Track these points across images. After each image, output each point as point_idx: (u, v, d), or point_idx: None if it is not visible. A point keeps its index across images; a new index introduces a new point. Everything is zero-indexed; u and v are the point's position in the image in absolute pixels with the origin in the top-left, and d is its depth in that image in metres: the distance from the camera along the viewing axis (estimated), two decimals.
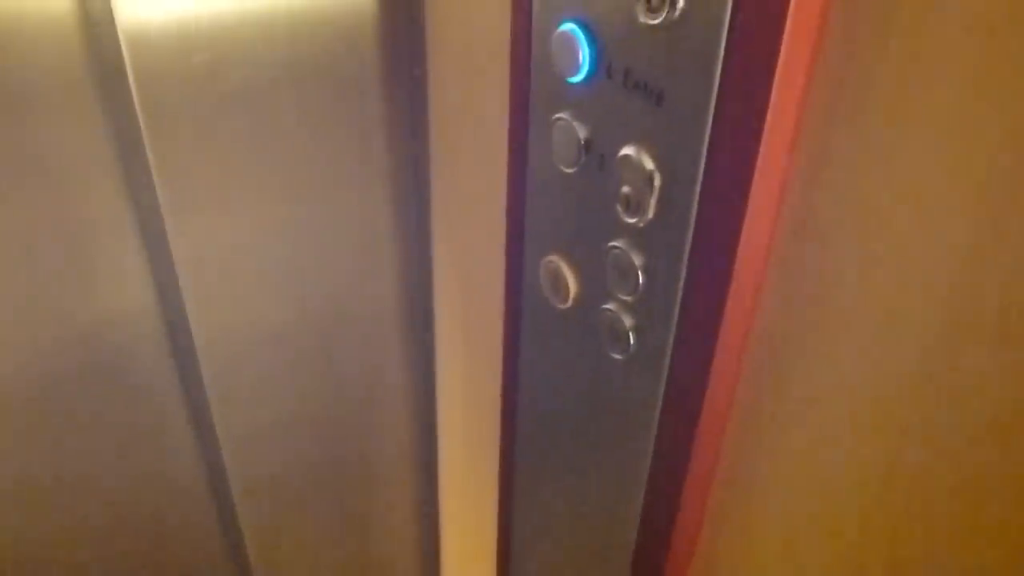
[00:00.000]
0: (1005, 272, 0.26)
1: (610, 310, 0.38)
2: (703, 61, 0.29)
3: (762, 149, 0.29)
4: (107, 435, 0.62)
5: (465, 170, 0.54)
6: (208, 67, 0.49)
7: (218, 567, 0.74)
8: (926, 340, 0.29)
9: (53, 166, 0.51)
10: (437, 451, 0.74)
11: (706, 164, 0.31)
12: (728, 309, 0.33)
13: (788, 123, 0.29)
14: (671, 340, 0.36)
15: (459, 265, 0.59)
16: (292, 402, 0.66)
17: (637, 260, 0.36)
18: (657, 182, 0.33)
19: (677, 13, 0.30)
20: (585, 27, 0.34)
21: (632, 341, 0.38)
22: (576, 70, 0.35)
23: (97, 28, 0.47)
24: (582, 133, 0.36)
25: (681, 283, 0.34)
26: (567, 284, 0.40)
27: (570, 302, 0.41)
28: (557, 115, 0.37)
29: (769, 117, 0.28)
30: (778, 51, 0.27)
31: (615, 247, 0.36)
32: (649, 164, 0.33)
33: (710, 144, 0.31)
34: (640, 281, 0.36)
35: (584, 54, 0.34)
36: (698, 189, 0.32)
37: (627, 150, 0.34)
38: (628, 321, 0.37)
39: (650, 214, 0.34)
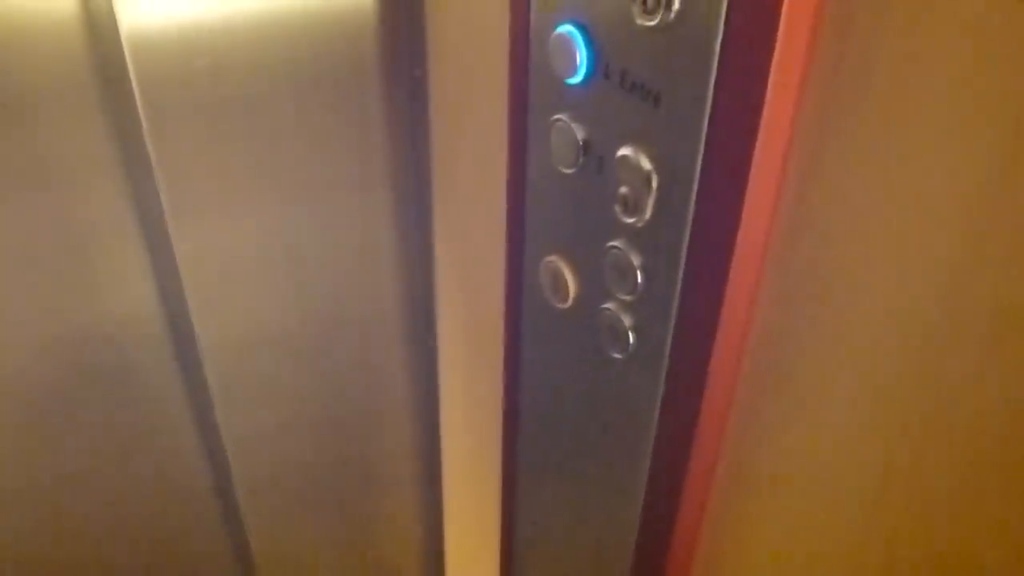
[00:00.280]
0: (1002, 270, 0.26)
1: (609, 310, 0.38)
2: (699, 62, 0.30)
3: (758, 148, 0.29)
4: (111, 436, 0.62)
5: (465, 171, 0.54)
6: (209, 70, 0.49)
7: (223, 568, 0.74)
8: (924, 338, 0.29)
9: (56, 169, 0.51)
10: (440, 451, 0.74)
11: (703, 164, 0.31)
12: (726, 308, 0.33)
13: (784, 123, 0.29)
14: (670, 339, 0.36)
15: (460, 266, 0.59)
16: (296, 403, 0.66)
17: (636, 260, 0.36)
18: (655, 182, 0.33)
19: (673, 15, 0.30)
20: (582, 29, 0.34)
21: (632, 340, 0.38)
22: (574, 71, 0.35)
23: (100, 31, 0.48)
24: (580, 134, 0.36)
25: (679, 282, 0.34)
26: (567, 284, 0.41)
27: (570, 302, 0.41)
28: (556, 116, 0.37)
29: (765, 117, 0.29)
30: (773, 51, 0.27)
31: (614, 247, 0.37)
32: (647, 164, 0.33)
33: (707, 144, 0.31)
34: (639, 281, 0.36)
35: (582, 56, 0.34)
36: (695, 189, 0.32)
37: (625, 151, 0.34)
38: (627, 320, 0.38)
39: (648, 214, 0.34)
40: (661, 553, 0.42)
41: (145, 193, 0.53)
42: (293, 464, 0.69)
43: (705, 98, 0.30)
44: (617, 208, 0.35)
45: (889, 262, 0.30)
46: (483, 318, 0.57)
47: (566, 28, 0.35)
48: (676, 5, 0.30)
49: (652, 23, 0.30)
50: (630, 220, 0.35)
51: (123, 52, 0.47)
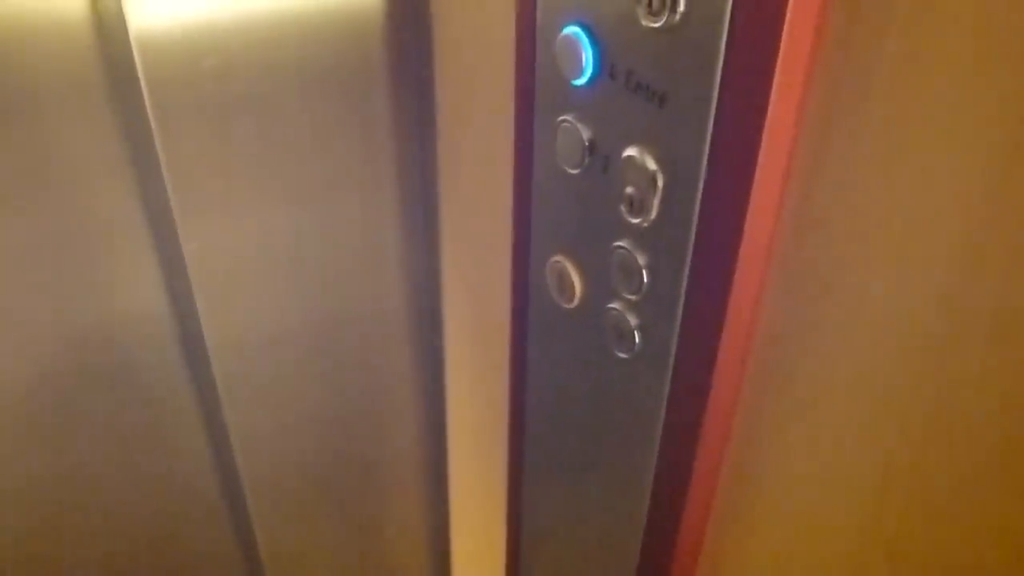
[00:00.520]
0: (1005, 271, 0.26)
1: (615, 309, 0.39)
2: (704, 63, 0.30)
3: (763, 148, 0.29)
4: (119, 436, 0.63)
5: (471, 172, 0.55)
6: (217, 70, 0.50)
7: (229, 567, 0.75)
8: (928, 338, 0.29)
9: (65, 168, 0.51)
10: (446, 451, 0.74)
11: (708, 164, 0.31)
12: (731, 307, 0.33)
13: (788, 123, 0.29)
14: (675, 338, 0.36)
15: (466, 266, 0.60)
16: (302, 403, 0.66)
17: (641, 260, 0.36)
18: (660, 182, 0.33)
19: (678, 16, 0.30)
20: (588, 30, 0.34)
21: (637, 340, 0.38)
22: (580, 73, 0.35)
23: (109, 32, 0.48)
24: (586, 135, 0.37)
25: (684, 282, 0.34)
26: (573, 284, 0.41)
27: (576, 302, 0.41)
28: (561, 117, 0.37)
29: (769, 117, 0.29)
30: (777, 52, 0.28)
31: (620, 247, 0.37)
32: (652, 165, 0.33)
33: (712, 144, 0.31)
34: (644, 280, 0.36)
35: (587, 57, 0.34)
36: (700, 189, 0.32)
37: (630, 151, 0.34)
38: (633, 320, 0.38)
39: (653, 214, 0.34)
40: (667, 552, 0.42)
41: (153, 192, 0.53)
42: (300, 464, 0.70)
43: (710, 98, 0.30)
44: (623, 208, 0.36)
45: (892, 262, 0.30)
46: (489, 318, 0.57)
47: (572, 29, 0.35)
48: (681, 6, 0.30)
49: (657, 24, 0.31)
50: (636, 220, 0.35)
51: (132, 52, 0.47)
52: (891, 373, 0.31)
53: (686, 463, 0.39)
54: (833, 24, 0.28)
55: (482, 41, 0.48)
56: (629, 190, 0.35)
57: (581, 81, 0.35)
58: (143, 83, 0.48)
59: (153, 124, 0.49)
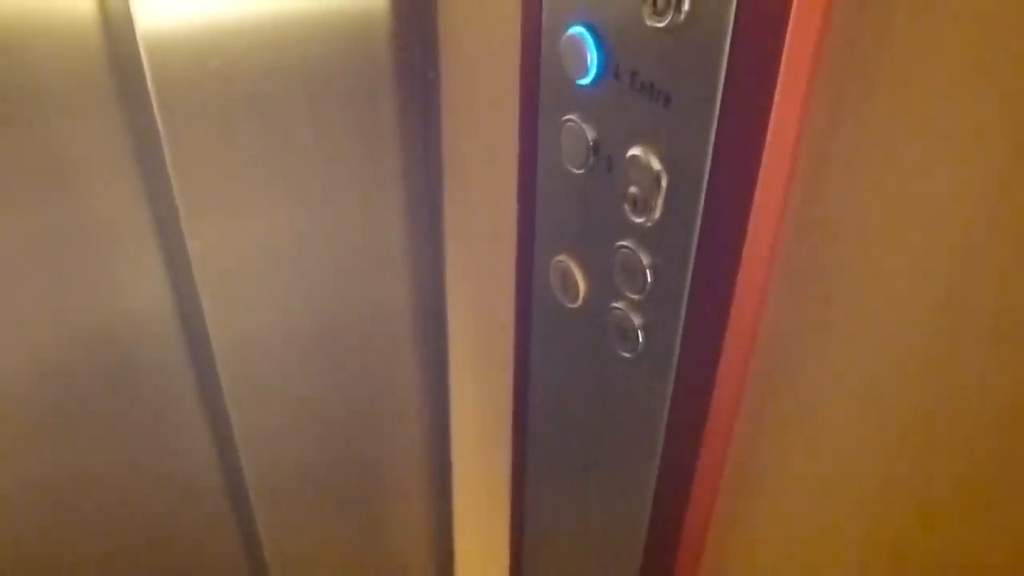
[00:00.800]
0: (1009, 272, 0.27)
1: (619, 309, 0.39)
2: (708, 62, 0.30)
3: (767, 148, 0.29)
4: (123, 435, 0.63)
5: (476, 172, 0.55)
6: (224, 71, 0.50)
7: (234, 567, 0.75)
8: (933, 339, 0.29)
9: (71, 168, 0.51)
10: (450, 451, 0.74)
11: (712, 164, 0.31)
12: (735, 307, 0.33)
13: (792, 123, 0.29)
14: (679, 338, 0.36)
15: (470, 266, 0.60)
16: (306, 403, 0.66)
17: (645, 259, 0.36)
18: (664, 182, 0.34)
19: (682, 16, 0.30)
20: (593, 30, 0.34)
21: (641, 339, 0.38)
22: (584, 72, 0.35)
23: (116, 32, 0.48)
24: (591, 134, 0.37)
25: (688, 281, 0.34)
26: (576, 283, 0.41)
27: (580, 301, 0.41)
28: (566, 117, 0.38)
29: (773, 117, 0.29)
30: (781, 52, 0.28)
31: (623, 246, 0.37)
32: (656, 164, 0.34)
33: (716, 144, 0.31)
34: (648, 280, 0.36)
35: (592, 57, 0.35)
36: (704, 189, 0.32)
37: (635, 151, 0.34)
38: (637, 320, 0.38)
39: (657, 214, 0.34)
40: (670, 552, 0.42)
41: (159, 192, 0.53)
42: (304, 463, 0.70)
43: (714, 98, 0.30)
44: (627, 208, 0.36)
45: (895, 263, 0.30)
46: (493, 318, 0.57)
47: (577, 29, 0.35)
48: (686, 6, 0.30)
49: (662, 24, 0.31)
50: (639, 220, 0.35)
51: (139, 53, 0.47)
52: (894, 374, 0.31)
53: (689, 463, 0.39)
54: (837, 24, 0.28)
55: (487, 42, 0.48)
56: (633, 190, 0.35)
57: (586, 81, 0.35)
58: (150, 83, 0.48)
59: (160, 124, 0.50)
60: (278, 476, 0.68)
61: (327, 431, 0.69)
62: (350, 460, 0.72)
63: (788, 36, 0.27)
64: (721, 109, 0.30)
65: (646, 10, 0.31)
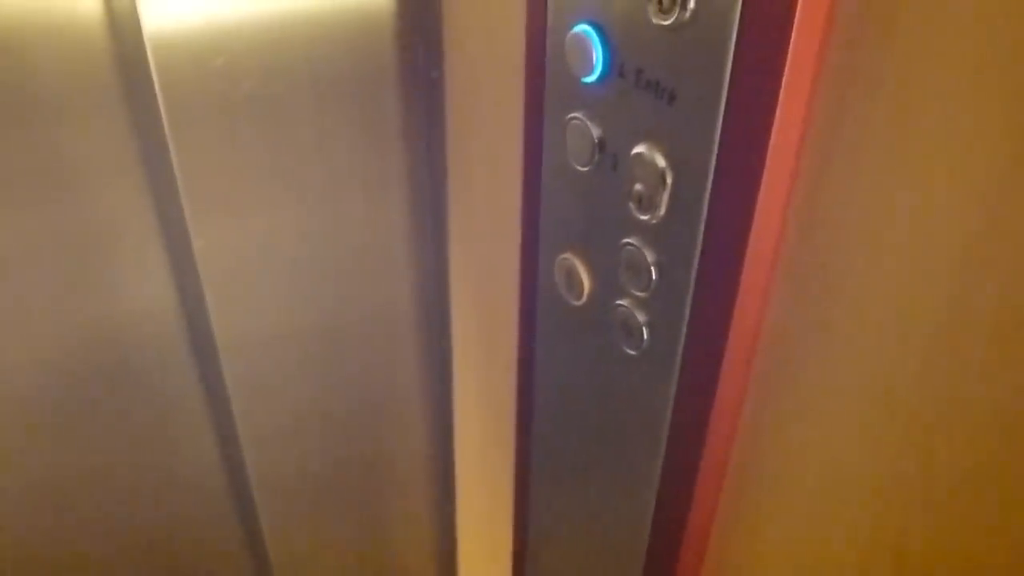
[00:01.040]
0: (1012, 271, 0.27)
1: (623, 306, 0.39)
2: (713, 60, 0.30)
3: (772, 146, 0.30)
4: (127, 434, 0.63)
5: (480, 171, 0.55)
6: (229, 70, 0.50)
7: (237, 565, 0.75)
8: (936, 338, 0.30)
9: (77, 167, 0.51)
10: (453, 451, 0.74)
11: (717, 161, 0.32)
12: (739, 304, 0.33)
13: (796, 121, 0.30)
14: (683, 335, 0.36)
15: (475, 265, 0.60)
16: (310, 402, 0.67)
17: (650, 256, 0.36)
18: (669, 179, 0.34)
19: (688, 14, 0.30)
20: (598, 28, 0.34)
21: (645, 336, 0.38)
22: (590, 70, 0.35)
23: (122, 31, 0.48)
24: (596, 132, 0.37)
25: (693, 279, 0.35)
26: (581, 281, 0.41)
27: (584, 299, 0.42)
28: (571, 115, 0.38)
29: (778, 114, 0.29)
30: (787, 50, 0.28)
31: (628, 244, 0.37)
32: (661, 162, 0.34)
33: (721, 142, 0.31)
34: (653, 277, 0.36)
35: (597, 55, 0.35)
36: (709, 186, 0.32)
37: (640, 148, 0.34)
38: (641, 317, 0.38)
39: (662, 211, 0.35)
40: (674, 551, 0.43)
41: (165, 191, 0.54)
42: (307, 463, 0.70)
43: (719, 96, 0.30)
44: (631, 205, 0.36)
45: (899, 262, 0.30)
46: (496, 317, 0.57)
47: (582, 28, 0.35)
48: (691, 4, 0.30)
49: (667, 22, 0.31)
50: (644, 217, 0.35)
51: (145, 52, 0.47)
52: (897, 373, 0.31)
53: (692, 461, 0.39)
54: (841, 23, 0.28)
55: (491, 42, 0.48)
56: (638, 187, 0.35)
57: (591, 79, 0.36)
58: (156, 82, 0.48)
59: (165, 123, 0.50)
60: (282, 475, 0.69)
61: (330, 430, 0.69)
62: (353, 460, 0.72)
63: (793, 34, 0.28)
64: (726, 107, 0.30)
65: (652, 8, 0.31)
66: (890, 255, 0.30)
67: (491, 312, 0.58)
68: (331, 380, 0.66)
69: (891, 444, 0.32)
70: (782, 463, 0.38)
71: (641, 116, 0.34)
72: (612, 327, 0.40)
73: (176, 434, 0.65)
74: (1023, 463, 0.28)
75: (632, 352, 0.39)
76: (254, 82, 0.51)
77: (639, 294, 0.38)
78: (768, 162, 0.30)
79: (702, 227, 0.33)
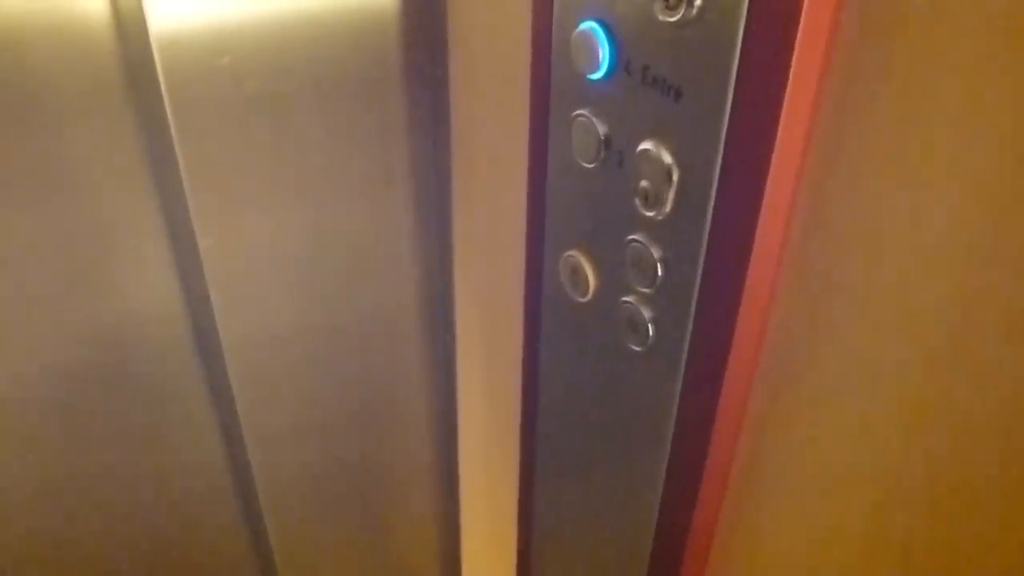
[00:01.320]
0: (1018, 270, 0.27)
1: (629, 303, 0.39)
2: (720, 57, 0.30)
3: (778, 143, 0.30)
4: (133, 433, 0.63)
5: (485, 169, 0.55)
6: (235, 69, 0.50)
7: (242, 565, 0.75)
8: (941, 336, 0.30)
9: (84, 167, 0.52)
10: (457, 450, 0.74)
11: (723, 158, 0.32)
12: (744, 300, 0.33)
13: (803, 118, 0.30)
14: (689, 331, 0.36)
15: (479, 263, 0.60)
16: (314, 401, 0.67)
17: (656, 253, 0.36)
18: (675, 176, 0.34)
19: (694, 10, 0.30)
20: (604, 25, 0.35)
21: (651, 333, 0.38)
22: (596, 67, 0.35)
23: (129, 31, 0.48)
24: (602, 129, 0.37)
25: (699, 275, 0.35)
26: (587, 278, 0.41)
27: (589, 296, 0.42)
28: (577, 112, 0.38)
29: (784, 111, 0.29)
30: (793, 47, 0.28)
31: (634, 240, 0.37)
32: (667, 158, 0.34)
33: (727, 138, 0.31)
34: (659, 274, 0.36)
35: (604, 52, 0.35)
36: (715, 183, 0.32)
37: (646, 145, 0.35)
38: (647, 313, 0.38)
39: (668, 207, 0.35)
40: (678, 549, 0.43)
41: (171, 191, 0.54)
42: (313, 463, 0.70)
43: (726, 93, 0.30)
44: (637, 202, 0.36)
45: (904, 260, 0.30)
46: (501, 315, 0.57)
47: (588, 25, 0.35)
48: (698, 1, 0.30)
49: (674, 19, 0.31)
50: (650, 213, 0.36)
51: (152, 52, 0.47)
52: (903, 371, 0.31)
53: (697, 458, 0.39)
54: (848, 20, 0.28)
55: (496, 40, 0.48)
56: (644, 184, 0.35)
57: (597, 75, 0.36)
58: (162, 81, 0.48)
59: (172, 122, 0.50)
60: (286, 475, 0.69)
61: (335, 430, 0.69)
62: (358, 459, 0.72)
63: (800, 31, 0.28)
64: (732, 103, 0.31)
65: (658, 5, 0.31)
66: (895, 254, 0.30)
67: (495, 310, 0.58)
68: (336, 379, 0.66)
69: (895, 443, 0.33)
70: (786, 461, 0.38)
71: (647, 113, 0.34)
72: (617, 324, 0.40)
73: (180, 434, 0.65)
74: None
75: (637, 349, 0.39)
76: (259, 81, 0.51)
77: (645, 291, 0.38)
78: (774, 159, 0.30)
79: (708, 223, 0.33)
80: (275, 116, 0.53)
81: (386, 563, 0.80)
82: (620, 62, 0.35)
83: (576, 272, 0.42)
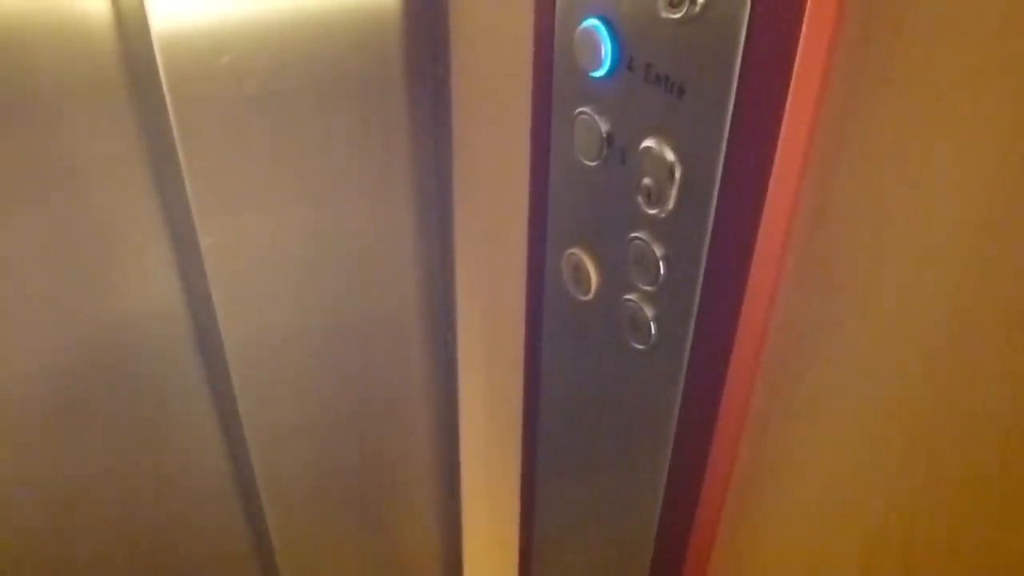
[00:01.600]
0: (1020, 268, 0.27)
1: (631, 300, 0.39)
2: (723, 54, 0.30)
3: (780, 140, 0.30)
4: (134, 433, 0.63)
5: (487, 167, 0.55)
6: (236, 68, 0.50)
7: (244, 565, 0.75)
8: (943, 335, 0.30)
9: (85, 166, 0.52)
10: (459, 450, 0.74)
11: (726, 155, 0.32)
12: (747, 298, 0.33)
13: (805, 115, 0.30)
14: (691, 329, 0.36)
15: (481, 261, 0.60)
16: (316, 401, 0.67)
17: (658, 250, 0.36)
18: (678, 173, 0.34)
19: (697, 7, 0.30)
20: (607, 22, 0.35)
21: (653, 331, 0.38)
22: (598, 65, 0.35)
23: (130, 30, 0.48)
24: (604, 126, 0.37)
25: (701, 272, 0.35)
26: (589, 276, 0.41)
27: (592, 294, 0.42)
28: (580, 109, 0.38)
29: (787, 108, 0.29)
30: (796, 44, 0.28)
31: (636, 238, 0.37)
32: (670, 156, 0.34)
33: (730, 136, 0.31)
34: (661, 271, 0.36)
35: (606, 49, 0.35)
36: (718, 180, 0.32)
37: (648, 142, 0.35)
38: (649, 311, 0.38)
39: (671, 205, 0.35)
40: (680, 548, 0.42)
41: (172, 190, 0.54)
42: (314, 463, 0.70)
43: (729, 90, 0.30)
44: (640, 199, 0.36)
45: (907, 259, 0.30)
46: (503, 314, 0.57)
47: (591, 22, 0.35)
48: None
49: (677, 16, 0.31)
50: (653, 211, 0.36)
51: (153, 50, 0.47)
52: (905, 369, 0.31)
53: (700, 457, 0.39)
54: (851, 18, 0.28)
55: (497, 38, 0.48)
56: (647, 181, 0.35)
57: (600, 73, 0.36)
58: (164, 81, 0.49)
59: (173, 121, 0.50)
60: (288, 475, 0.69)
61: (336, 430, 0.69)
62: (359, 459, 0.72)
63: (803, 28, 0.28)
64: (735, 101, 0.30)
65: (661, 2, 0.31)
66: (897, 253, 0.30)
67: (497, 309, 0.58)
68: (338, 379, 0.66)
69: (897, 442, 0.32)
70: (788, 459, 0.38)
71: (650, 110, 0.34)
72: (620, 322, 0.40)
73: (182, 434, 0.65)
74: None
75: (640, 347, 0.39)
76: (261, 80, 0.51)
77: (647, 288, 0.38)
78: (777, 156, 0.30)
79: (711, 221, 0.33)
80: (276, 115, 0.53)
81: (388, 563, 0.80)
82: (623, 59, 0.35)
83: (578, 270, 0.42)
